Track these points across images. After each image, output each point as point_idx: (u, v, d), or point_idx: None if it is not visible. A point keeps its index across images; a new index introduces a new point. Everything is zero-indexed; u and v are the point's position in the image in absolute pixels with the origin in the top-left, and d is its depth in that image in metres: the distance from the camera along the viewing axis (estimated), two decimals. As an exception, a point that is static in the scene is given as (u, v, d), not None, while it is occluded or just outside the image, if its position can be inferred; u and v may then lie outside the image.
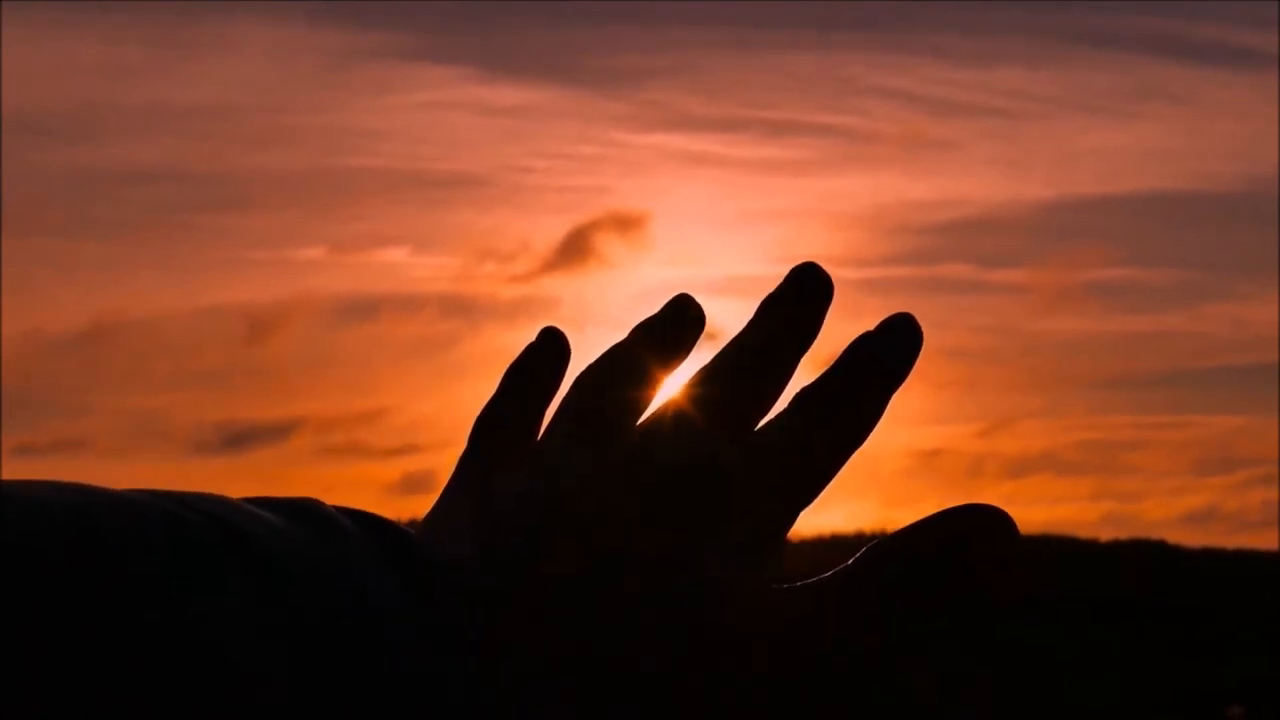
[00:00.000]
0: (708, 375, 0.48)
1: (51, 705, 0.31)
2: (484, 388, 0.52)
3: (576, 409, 0.49)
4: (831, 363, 0.48)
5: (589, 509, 0.45)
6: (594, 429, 0.48)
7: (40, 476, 0.36)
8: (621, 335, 0.51)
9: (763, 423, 0.48)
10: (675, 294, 0.52)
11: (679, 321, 0.51)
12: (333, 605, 0.37)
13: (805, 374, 0.49)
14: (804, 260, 0.50)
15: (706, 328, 0.52)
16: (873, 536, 0.45)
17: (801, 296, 0.49)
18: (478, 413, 0.52)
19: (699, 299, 0.52)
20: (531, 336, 0.53)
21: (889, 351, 0.47)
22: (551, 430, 0.49)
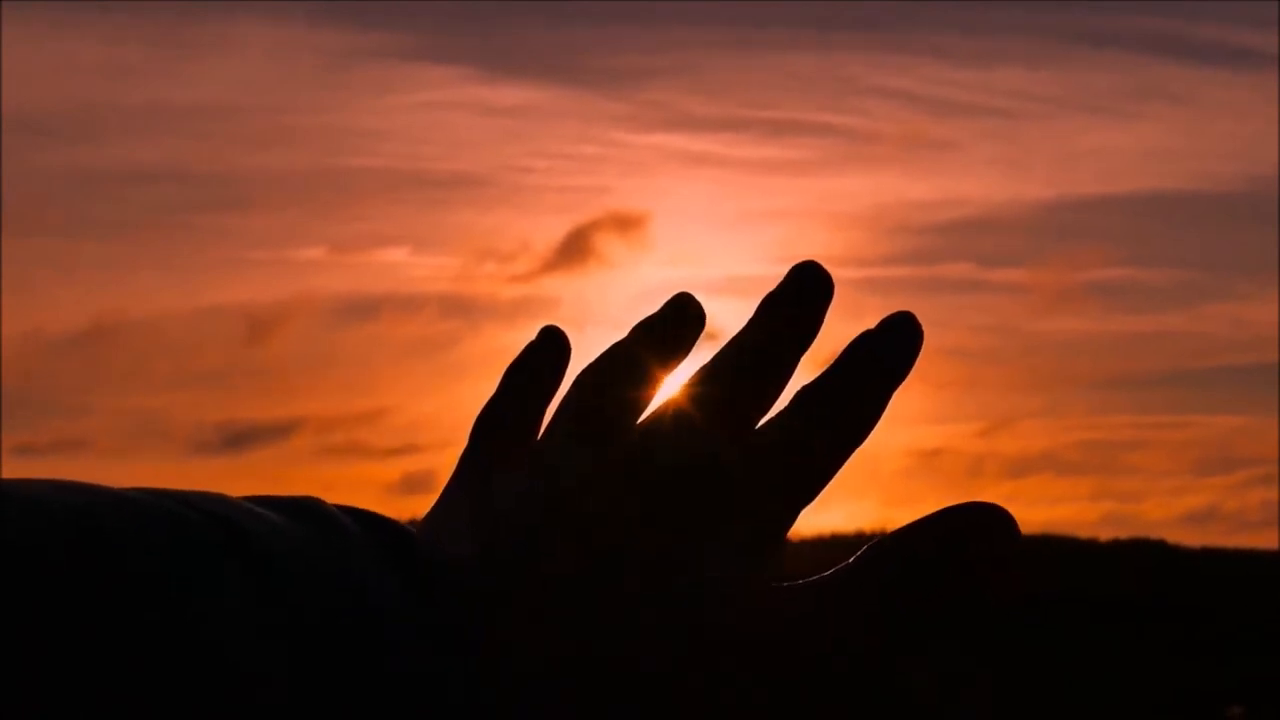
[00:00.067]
0: (708, 374, 0.48)
1: (51, 705, 0.31)
2: (484, 388, 0.52)
3: (577, 408, 0.49)
4: (832, 362, 0.48)
5: (589, 508, 0.45)
6: (594, 428, 0.48)
7: (41, 476, 0.36)
8: (621, 335, 0.51)
9: (763, 421, 0.48)
10: (675, 293, 0.52)
11: (679, 320, 0.51)
12: (333, 605, 0.37)
13: (805, 373, 0.49)
14: (804, 260, 0.50)
15: (706, 327, 0.52)
16: (873, 536, 0.45)
17: (802, 295, 0.49)
18: (478, 412, 0.51)
19: (699, 299, 0.52)
20: (531, 336, 0.53)
21: (889, 350, 0.47)
22: (552, 429, 0.49)
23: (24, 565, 0.32)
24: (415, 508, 0.50)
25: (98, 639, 0.32)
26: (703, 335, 0.52)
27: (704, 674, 0.42)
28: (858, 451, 0.47)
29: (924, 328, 0.48)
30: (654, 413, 0.48)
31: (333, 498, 0.42)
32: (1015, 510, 0.44)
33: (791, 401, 0.47)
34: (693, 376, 0.49)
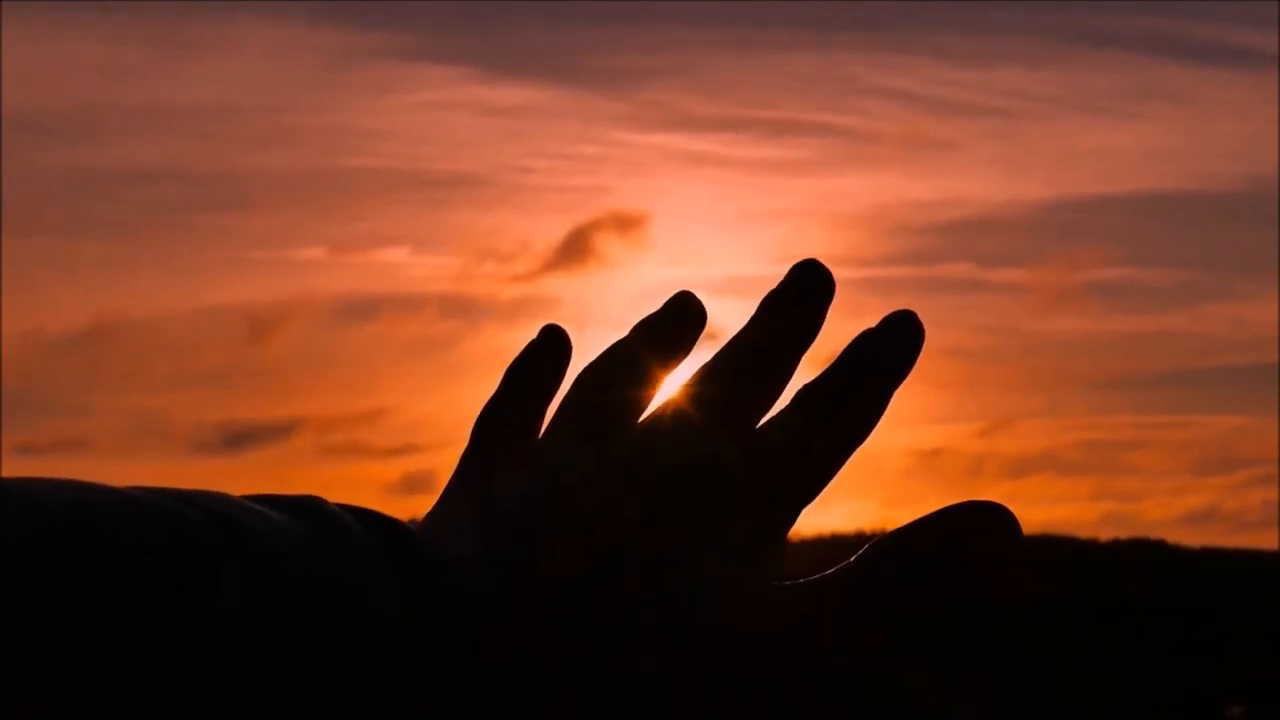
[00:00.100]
0: (708, 374, 0.48)
1: (50, 705, 0.31)
2: (484, 388, 0.52)
3: (578, 407, 0.49)
4: (832, 361, 0.48)
5: (590, 507, 0.45)
6: (595, 427, 0.48)
7: (40, 475, 0.36)
8: (622, 335, 0.51)
9: (764, 421, 0.48)
10: (676, 292, 0.52)
11: (680, 319, 0.51)
12: (332, 605, 0.37)
13: (805, 373, 0.49)
14: (804, 258, 0.50)
15: (707, 327, 0.52)
16: (873, 536, 0.45)
17: (803, 294, 0.49)
18: (478, 412, 0.51)
19: (699, 298, 0.52)
20: (531, 336, 0.53)
21: (890, 348, 0.47)
22: (553, 428, 0.49)
23: (23, 565, 0.32)
24: (415, 508, 0.50)
25: (97, 639, 0.32)
26: (703, 335, 0.52)
27: (704, 674, 0.42)
28: (858, 451, 0.47)
29: (924, 327, 0.48)
30: (655, 412, 0.48)
31: (333, 498, 0.42)
32: (1015, 510, 0.44)
33: (792, 401, 0.47)
34: (693, 376, 0.49)
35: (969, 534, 0.43)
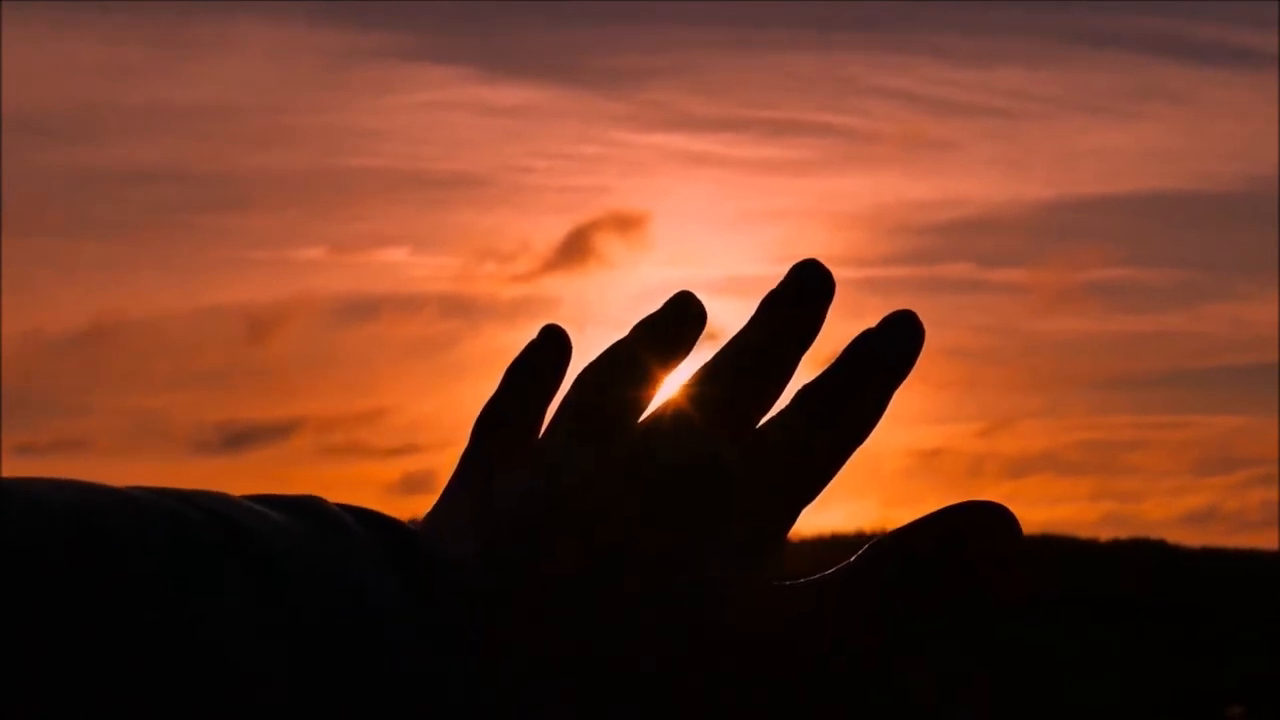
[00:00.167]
0: (708, 374, 0.48)
1: (50, 705, 0.31)
2: (484, 388, 0.52)
3: (578, 407, 0.49)
4: (833, 361, 0.48)
5: (590, 507, 0.45)
6: (595, 427, 0.48)
7: (41, 475, 0.36)
8: (622, 335, 0.51)
9: (764, 420, 0.48)
10: (676, 292, 0.52)
11: (680, 319, 0.51)
12: (332, 605, 0.37)
13: (805, 373, 0.49)
14: (805, 258, 0.50)
15: (707, 327, 0.52)
16: (873, 536, 0.45)
17: (803, 294, 0.49)
18: (478, 412, 0.51)
19: (699, 298, 0.52)
20: (531, 336, 0.53)
21: (891, 348, 0.47)
22: (553, 428, 0.49)
23: (23, 565, 0.32)
24: (415, 508, 0.50)
25: (97, 639, 0.32)
26: (703, 335, 0.52)
27: (704, 674, 0.42)
28: (858, 451, 0.47)
29: (924, 327, 0.48)
30: (655, 412, 0.48)
31: (333, 498, 0.42)
32: (1015, 510, 0.44)
33: (792, 400, 0.47)
34: (693, 376, 0.49)
35: (969, 534, 0.43)
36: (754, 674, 0.42)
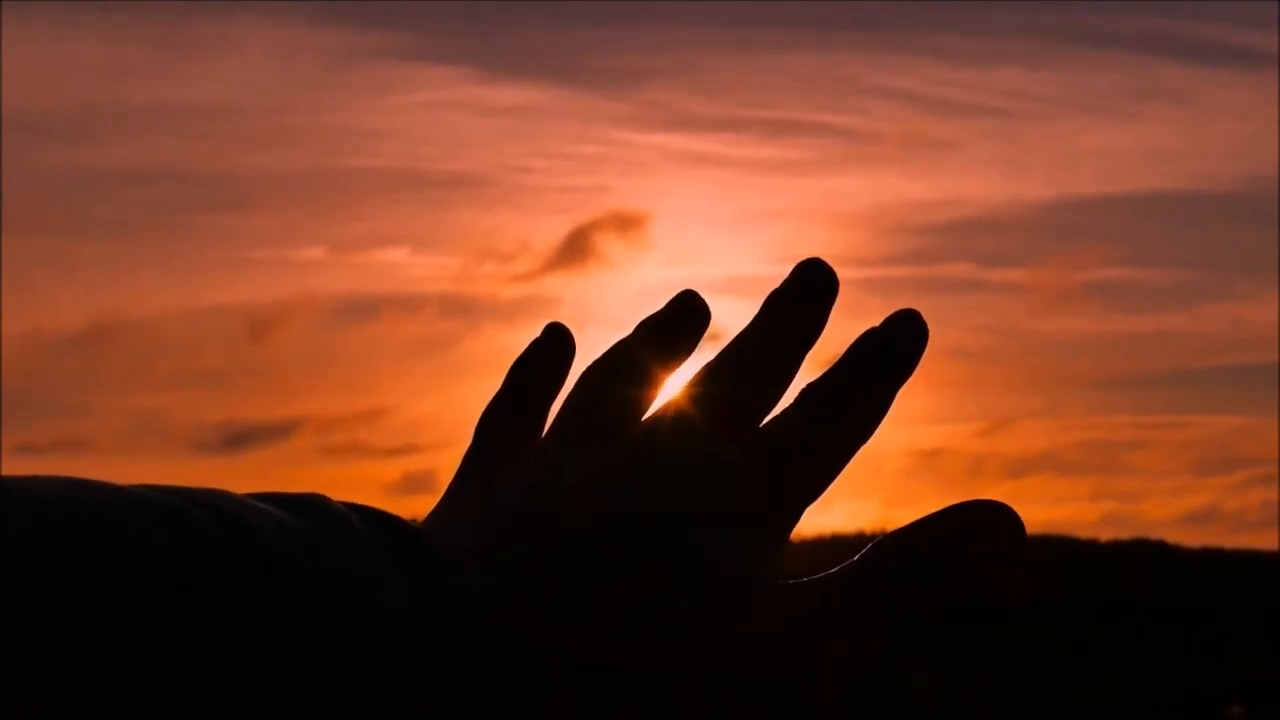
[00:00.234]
0: (710, 373, 0.48)
1: (51, 705, 0.31)
2: (484, 388, 0.52)
3: (580, 406, 0.49)
4: (835, 360, 0.48)
5: (591, 507, 0.45)
6: (598, 426, 0.48)
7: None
8: (622, 335, 0.51)
9: (768, 420, 0.48)
10: (677, 292, 0.52)
11: (684, 318, 0.51)
12: (335, 604, 0.37)
13: (806, 374, 0.49)
14: (809, 257, 0.50)
15: (708, 327, 0.52)
16: (873, 537, 0.45)
17: (806, 292, 0.49)
18: (478, 412, 0.51)
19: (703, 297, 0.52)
20: (532, 336, 0.53)
21: (895, 346, 0.47)
22: (555, 427, 0.49)
23: (24, 564, 0.32)
24: (415, 508, 0.50)
25: (97, 639, 0.32)
26: (705, 336, 0.52)
27: (704, 674, 0.42)
28: (858, 452, 0.47)
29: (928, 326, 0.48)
30: (657, 412, 0.48)
31: (333, 497, 0.42)
32: (1016, 510, 0.44)
33: (796, 399, 0.47)
34: (696, 375, 0.49)
35: (973, 533, 0.43)
36: (754, 674, 0.42)
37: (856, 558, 0.44)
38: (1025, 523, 0.43)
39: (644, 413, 0.49)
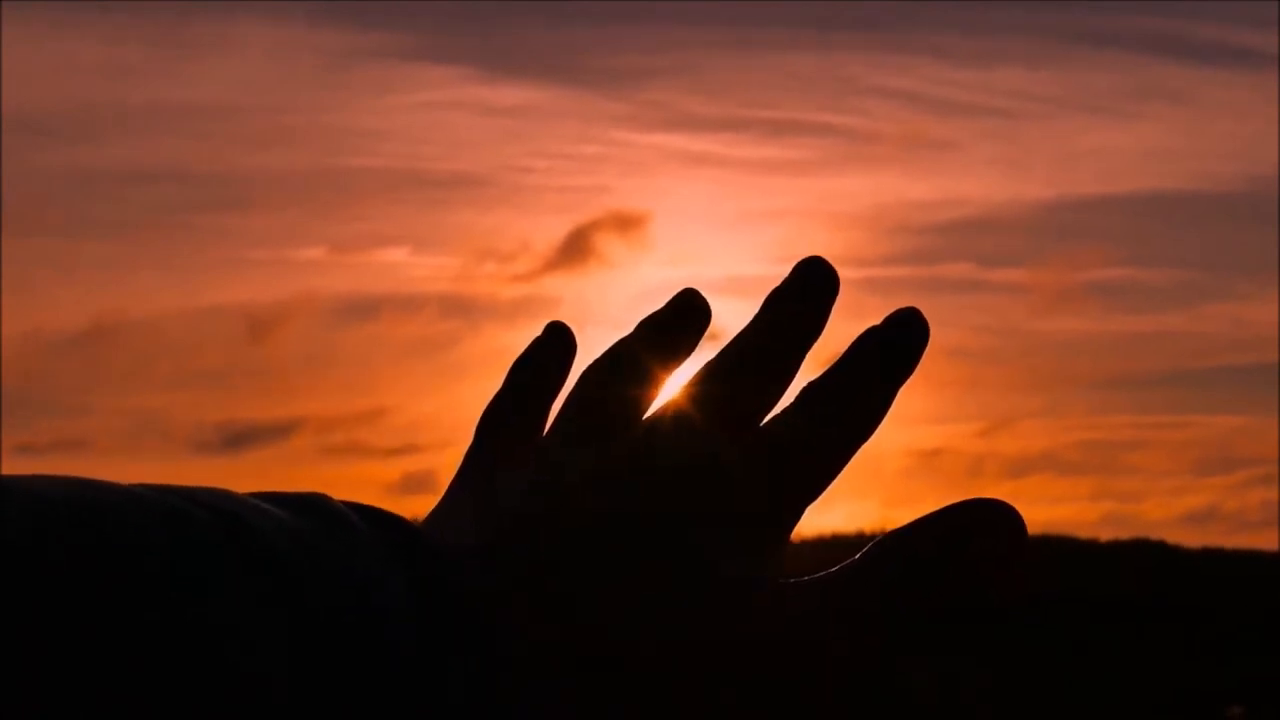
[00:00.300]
0: (711, 372, 0.48)
1: (51, 705, 0.31)
2: (484, 388, 0.52)
3: (581, 405, 0.49)
4: (836, 360, 0.48)
5: (592, 506, 0.45)
6: (598, 425, 0.48)
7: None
8: (622, 335, 0.51)
9: (768, 419, 0.47)
10: (680, 290, 0.52)
11: (684, 316, 0.51)
12: (335, 604, 0.37)
13: (807, 373, 0.49)
14: (809, 255, 0.50)
15: (709, 327, 0.52)
16: (873, 536, 0.45)
17: (807, 291, 0.49)
18: (478, 412, 0.51)
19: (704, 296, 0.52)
20: (532, 336, 0.53)
21: (896, 345, 0.47)
22: (556, 427, 0.49)
23: (23, 564, 0.32)
24: (415, 508, 0.50)
25: (97, 639, 0.32)
26: (705, 336, 0.52)
27: (704, 674, 0.42)
28: (858, 451, 0.47)
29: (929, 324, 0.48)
30: (657, 411, 0.48)
31: (333, 497, 0.42)
32: (1016, 509, 0.44)
33: (796, 398, 0.47)
34: (696, 374, 0.49)
35: (973, 532, 0.43)
36: (755, 674, 0.42)
37: (856, 557, 0.44)
38: (1026, 523, 0.43)
39: (645, 412, 0.49)
